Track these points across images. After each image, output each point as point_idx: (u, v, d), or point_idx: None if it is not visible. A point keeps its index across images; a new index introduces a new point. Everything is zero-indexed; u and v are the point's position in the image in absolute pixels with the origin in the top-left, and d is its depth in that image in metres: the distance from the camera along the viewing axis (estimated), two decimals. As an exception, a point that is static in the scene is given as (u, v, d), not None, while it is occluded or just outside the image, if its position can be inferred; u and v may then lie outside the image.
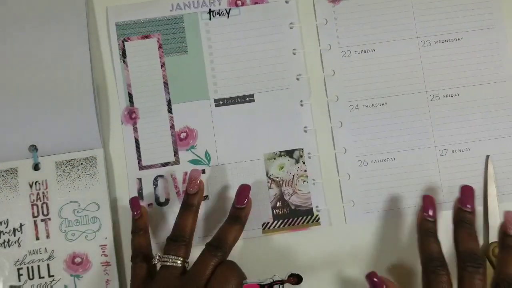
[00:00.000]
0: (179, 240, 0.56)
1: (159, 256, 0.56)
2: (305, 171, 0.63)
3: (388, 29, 0.64)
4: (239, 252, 0.62)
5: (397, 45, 0.64)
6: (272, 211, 0.63)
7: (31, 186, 0.61)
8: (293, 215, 0.63)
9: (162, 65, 0.64)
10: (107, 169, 0.63)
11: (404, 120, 0.63)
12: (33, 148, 0.62)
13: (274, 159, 0.63)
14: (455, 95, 0.64)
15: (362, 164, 0.63)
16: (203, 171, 0.63)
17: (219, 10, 0.64)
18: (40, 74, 0.62)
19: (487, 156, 0.63)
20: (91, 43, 0.64)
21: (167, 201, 0.63)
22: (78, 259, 0.60)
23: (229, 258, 0.57)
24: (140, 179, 0.63)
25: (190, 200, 0.58)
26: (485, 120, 0.63)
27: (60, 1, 0.63)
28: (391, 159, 0.63)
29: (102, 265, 0.60)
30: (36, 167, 0.62)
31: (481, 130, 0.63)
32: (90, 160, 0.61)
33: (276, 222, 0.63)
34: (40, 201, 0.61)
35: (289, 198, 0.63)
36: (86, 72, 0.62)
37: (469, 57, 0.64)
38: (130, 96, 0.64)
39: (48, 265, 0.60)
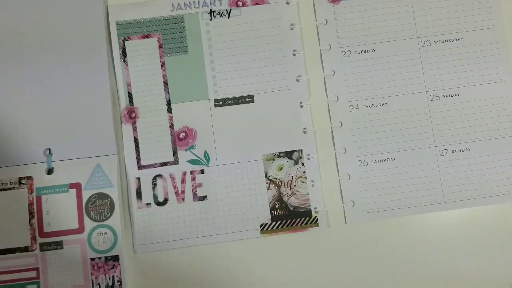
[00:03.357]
0: None
1: None
2: (304, 172, 0.63)
3: (388, 29, 0.64)
4: (238, 253, 0.62)
5: (397, 45, 0.64)
6: (271, 212, 0.62)
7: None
8: (292, 216, 0.62)
9: (162, 65, 0.64)
10: (119, 175, 0.63)
11: (404, 120, 0.63)
12: (48, 151, 0.62)
13: (273, 160, 0.63)
14: (455, 95, 0.64)
15: (362, 164, 0.63)
16: (202, 171, 0.63)
17: (219, 10, 0.65)
18: (56, 79, 0.63)
19: None
20: (92, 42, 0.64)
21: (165, 200, 0.62)
22: None
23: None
24: (138, 179, 0.63)
25: None
26: (485, 119, 0.63)
27: (81, 30, 0.64)
28: (391, 159, 0.63)
29: None
30: (49, 171, 0.62)
31: (481, 130, 0.63)
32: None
33: (274, 223, 0.62)
34: None
35: (288, 199, 0.63)
36: (104, 81, 0.63)
37: (469, 57, 0.64)
38: (130, 95, 0.64)
39: None
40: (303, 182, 0.63)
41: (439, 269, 0.62)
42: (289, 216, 0.62)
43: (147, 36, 0.64)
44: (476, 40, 0.64)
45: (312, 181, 0.63)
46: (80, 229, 0.61)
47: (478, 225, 0.62)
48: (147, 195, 0.63)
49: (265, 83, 0.64)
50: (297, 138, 0.64)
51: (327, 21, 0.65)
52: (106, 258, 0.61)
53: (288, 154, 0.63)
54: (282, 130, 0.63)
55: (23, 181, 0.61)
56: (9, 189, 0.61)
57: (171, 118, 0.64)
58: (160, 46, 0.64)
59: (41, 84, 0.62)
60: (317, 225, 0.62)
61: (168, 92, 0.64)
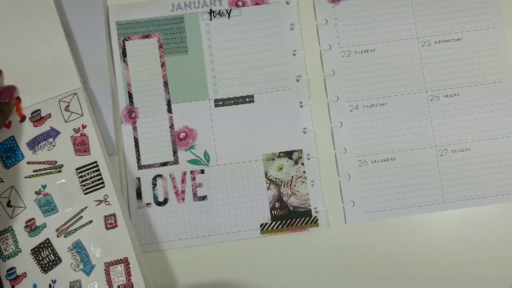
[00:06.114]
0: None
1: None
2: (304, 172, 0.63)
3: (388, 29, 0.64)
4: (238, 253, 0.62)
5: (397, 45, 0.64)
6: (271, 212, 0.62)
7: None
8: (292, 216, 0.62)
9: (162, 65, 0.64)
10: (120, 174, 0.63)
11: (404, 120, 0.63)
12: None
13: (273, 160, 0.63)
14: (455, 95, 0.64)
15: (362, 164, 0.63)
16: (202, 171, 0.63)
17: (220, 10, 0.65)
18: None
19: None
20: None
21: (165, 200, 0.63)
22: None
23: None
24: (139, 179, 0.63)
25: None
26: (485, 120, 0.63)
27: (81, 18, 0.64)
28: (391, 159, 0.63)
29: None
30: None
31: (481, 130, 0.63)
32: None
33: (274, 223, 0.62)
34: None
35: (288, 199, 0.63)
36: (104, 81, 0.63)
37: (469, 57, 0.64)
38: (130, 95, 0.64)
39: None
40: (303, 182, 0.63)
41: (439, 268, 0.62)
42: (289, 216, 0.62)
43: (147, 36, 0.64)
44: (476, 40, 0.64)
45: (312, 181, 0.63)
46: None
47: (478, 225, 0.62)
48: (147, 195, 0.63)
49: (265, 83, 0.64)
50: (297, 138, 0.64)
51: (327, 21, 0.65)
52: None
53: (288, 154, 0.63)
54: (282, 130, 0.63)
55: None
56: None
57: (171, 118, 0.64)
58: (160, 46, 0.64)
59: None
60: (317, 225, 0.62)
61: (168, 92, 0.64)
